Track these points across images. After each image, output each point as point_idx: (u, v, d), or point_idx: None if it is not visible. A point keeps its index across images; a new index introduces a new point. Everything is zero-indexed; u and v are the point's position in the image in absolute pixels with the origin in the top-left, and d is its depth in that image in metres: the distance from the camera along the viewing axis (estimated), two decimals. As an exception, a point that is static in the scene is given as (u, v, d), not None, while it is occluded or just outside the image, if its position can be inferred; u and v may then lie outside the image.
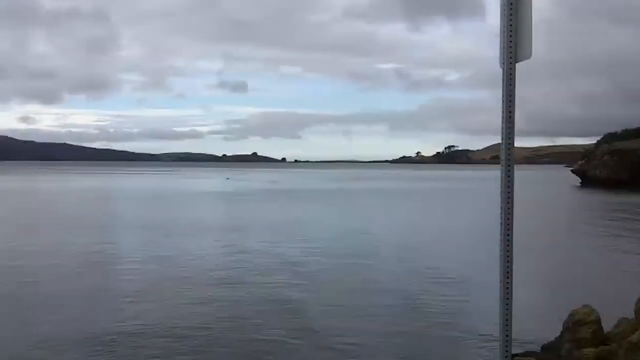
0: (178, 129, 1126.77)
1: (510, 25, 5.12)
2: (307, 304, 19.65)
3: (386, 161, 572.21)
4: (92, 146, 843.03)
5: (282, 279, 23.88)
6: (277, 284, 22.99)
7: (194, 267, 26.44)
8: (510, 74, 5.22)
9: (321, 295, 21.09)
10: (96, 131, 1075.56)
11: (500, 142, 5.28)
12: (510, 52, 5.20)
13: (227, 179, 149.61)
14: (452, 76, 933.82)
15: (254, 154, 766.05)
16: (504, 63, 5.25)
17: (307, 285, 22.67)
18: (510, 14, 5.11)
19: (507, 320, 5.06)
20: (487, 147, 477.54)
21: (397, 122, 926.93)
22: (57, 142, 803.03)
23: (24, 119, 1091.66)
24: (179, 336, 15.98)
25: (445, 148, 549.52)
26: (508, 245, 5.08)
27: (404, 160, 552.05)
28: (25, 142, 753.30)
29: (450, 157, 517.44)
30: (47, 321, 17.46)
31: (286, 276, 24.35)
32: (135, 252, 30.59)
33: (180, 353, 14.81)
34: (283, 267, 26.48)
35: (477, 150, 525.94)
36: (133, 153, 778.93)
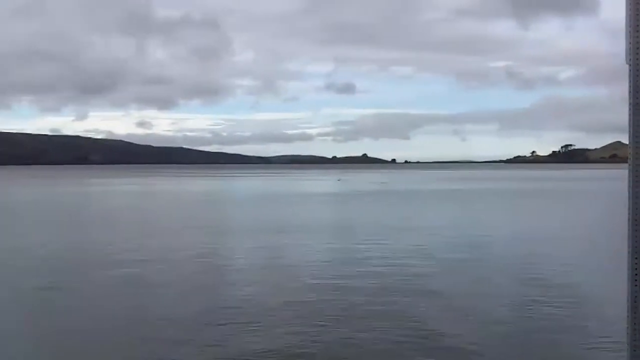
0: (288, 132, 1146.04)
1: (638, 19, 4.89)
2: (418, 307, 19.16)
3: (500, 161, 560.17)
4: (206, 149, 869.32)
5: (392, 280, 23.27)
6: (386, 286, 22.40)
7: (310, 266, 25.99)
8: (638, 70, 4.98)
9: (434, 299, 20.20)
10: (210, 135, 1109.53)
11: (621, 140, 4.90)
12: (638, 48, 4.96)
13: (339, 180, 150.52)
14: (566, 73, 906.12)
15: (364, 155, 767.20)
16: (630, 59, 5.02)
17: (419, 288, 21.95)
18: (638, 7, 4.88)
19: (635, 326, 4.84)
20: (606, 145, 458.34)
21: (509, 121, 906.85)
22: (173, 145, 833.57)
23: (141, 124, 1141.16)
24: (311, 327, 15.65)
25: (562, 147, 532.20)
26: (637, 250, 4.84)
27: (519, 160, 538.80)
28: (143, 146, 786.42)
29: (568, 156, 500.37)
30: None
31: (395, 279, 23.57)
32: (254, 253, 30.58)
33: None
34: (393, 269, 25.71)
35: (595, 148, 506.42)
36: (245, 156, 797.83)
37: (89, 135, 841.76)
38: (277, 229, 41.21)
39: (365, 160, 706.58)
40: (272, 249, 32.09)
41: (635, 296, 4.85)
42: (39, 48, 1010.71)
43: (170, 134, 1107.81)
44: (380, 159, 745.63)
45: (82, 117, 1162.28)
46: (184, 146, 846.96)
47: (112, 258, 29.45)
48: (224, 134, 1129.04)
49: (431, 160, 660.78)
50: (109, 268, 26.58)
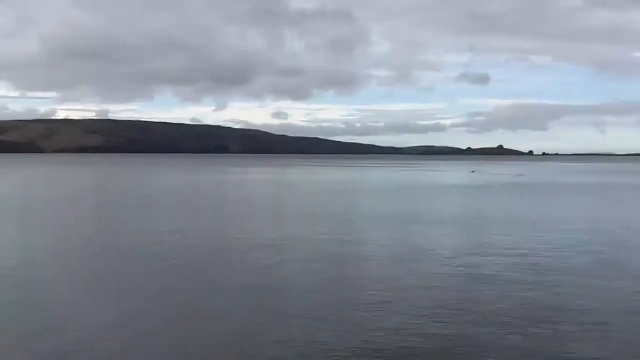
0: (422, 122, 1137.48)
1: None
2: (539, 305, 18.34)
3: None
4: (340, 140, 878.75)
5: (521, 277, 22.41)
6: (519, 282, 21.67)
7: (435, 257, 25.48)
8: None
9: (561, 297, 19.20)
10: (343, 125, 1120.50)
11: None
12: None
13: (472, 172, 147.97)
14: None
15: (500, 146, 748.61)
16: None
17: (545, 284, 21.22)
18: None
19: None
20: None
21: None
22: (307, 136, 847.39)
23: (277, 114, 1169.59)
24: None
25: None
26: None
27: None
28: (279, 136, 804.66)
29: None
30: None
31: (522, 276, 22.74)
32: (386, 243, 30.58)
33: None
34: (521, 265, 24.78)
35: None
36: (378, 146, 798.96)
37: (228, 125, 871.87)
38: (408, 220, 41.31)
39: (500, 152, 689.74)
40: (404, 240, 32.19)
41: None
42: (177, 40, 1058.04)
43: (304, 124, 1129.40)
44: (516, 151, 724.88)
45: (221, 107, 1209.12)
46: (318, 136, 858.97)
47: (255, 242, 30.50)
48: (358, 124, 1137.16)
49: (570, 153, 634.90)
50: (252, 253, 27.59)
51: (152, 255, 26.71)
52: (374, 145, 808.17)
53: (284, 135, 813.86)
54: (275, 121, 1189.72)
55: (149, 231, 34.92)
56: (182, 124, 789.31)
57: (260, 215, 45.17)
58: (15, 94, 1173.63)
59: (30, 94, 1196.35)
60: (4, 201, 56.42)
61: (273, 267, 24.49)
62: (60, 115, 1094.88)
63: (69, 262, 25.58)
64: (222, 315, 17.27)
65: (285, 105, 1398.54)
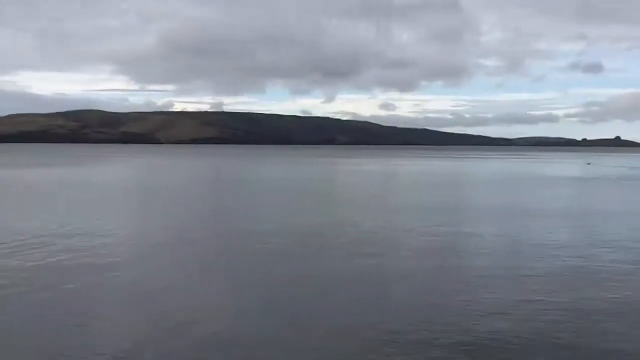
0: (533, 113, 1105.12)
1: None
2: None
3: None
4: (449, 131, 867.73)
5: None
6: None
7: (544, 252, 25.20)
8: None
9: None
10: (452, 116, 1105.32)
11: None
12: None
13: (588, 164, 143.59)
14: None
15: (617, 138, 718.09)
16: None
17: None
18: None
19: None
20: None
21: None
22: (415, 127, 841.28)
23: (385, 105, 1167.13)
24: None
25: None
26: None
27: None
28: (387, 127, 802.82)
29: None
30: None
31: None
32: (495, 236, 30.51)
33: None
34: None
35: None
36: (488, 137, 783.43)
37: (336, 117, 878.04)
38: (519, 212, 40.94)
39: (618, 144, 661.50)
40: (512, 233, 31.75)
41: None
42: (288, 34, 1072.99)
43: (412, 115, 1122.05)
44: (635, 142, 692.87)
45: (330, 99, 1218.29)
46: (427, 127, 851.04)
47: (362, 233, 31.24)
48: (467, 115, 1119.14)
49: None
50: (360, 244, 28.15)
51: (266, 242, 27.58)
52: (483, 137, 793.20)
53: (392, 127, 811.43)
54: (383, 112, 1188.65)
55: (264, 219, 36.25)
56: (292, 115, 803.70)
57: (368, 206, 45.60)
58: (136, 87, 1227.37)
59: (149, 87, 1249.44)
60: (129, 188, 60.32)
61: (383, 257, 24.84)
62: (177, 107, 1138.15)
63: (183, 246, 26.75)
64: (335, 305, 17.39)
65: (393, 96, 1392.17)
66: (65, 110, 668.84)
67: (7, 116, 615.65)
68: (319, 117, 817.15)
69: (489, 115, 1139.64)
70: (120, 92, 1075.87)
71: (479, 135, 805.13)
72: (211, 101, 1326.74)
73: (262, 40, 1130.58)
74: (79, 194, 51.89)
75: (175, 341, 14.24)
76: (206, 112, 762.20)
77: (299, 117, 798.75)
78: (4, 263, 22.26)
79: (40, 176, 79.36)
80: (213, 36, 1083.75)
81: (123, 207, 43.39)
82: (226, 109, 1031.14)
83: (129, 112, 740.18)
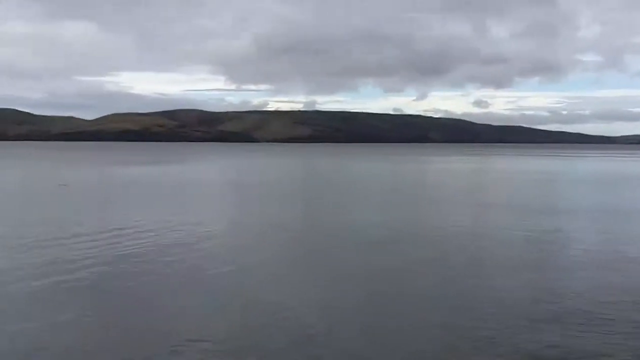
0: (635, 110, 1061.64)
1: None
2: None
3: None
4: (545, 128, 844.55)
5: None
6: None
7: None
8: None
9: None
10: (548, 113, 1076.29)
11: None
12: None
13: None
14: None
15: None
16: None
17: None
18: None
19: None
20: None
21: None
22: (511, 124, 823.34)
23: (478, 102, 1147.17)
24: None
25: None
26: None
27: None
28: (481, 124, 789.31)
29: None
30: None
31: None
32: (592, 238, 30.44)
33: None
34: None
35: None
36: (587, 135, 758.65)
37: (429, 115, 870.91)
38: (622, 214, 40.01)
39: None
40: (617, 238, 30.40)
41: None
42: (380, 32, 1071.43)
43: (507, 112, 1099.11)
44: None
45: (422, 96, 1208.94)
46: (522, 125, 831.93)
47: (450, 231, 31.83)
48: (564, 112, 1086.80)
49: None
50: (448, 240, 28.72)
51: (363, 241, 28.12)
52: (582, 134, 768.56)
53: (487, 124, 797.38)
54: (477, 110, 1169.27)
55: (359, 215, 37.51)
56: (385, 114, 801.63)
57: (463, 204, 45.53)
58: (232, 87, 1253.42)
59: (244, 87, 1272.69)
60: (231, 184, 63.06)
61: (480, 255, 24.85)
62: (272, 107, 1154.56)
63: (284, 240, 28.12)
64: (435, 309, 17.01)
65: (487, 93, 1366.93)
66: (164, 109, 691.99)
67: (110, 115, 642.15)
68: (411, 115, 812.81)
69: (587, 112, 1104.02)
70: (217, 92, 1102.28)
71: (576, 133, 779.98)
72: (304, 100, 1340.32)
73: (355, 39, 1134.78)
74: (186, 190, 55.05)
75: (272, 333, 14.69)
76: (300, 111, 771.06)
77: (392, 115, 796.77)
78: (104, 254, 24.04)
79: (151, 173, 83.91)
80: (307, 36, 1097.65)
81: (226, 203, 46.14)
82: (319, 107, 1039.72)
83: (225, 112, 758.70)
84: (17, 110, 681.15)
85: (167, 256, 23.50)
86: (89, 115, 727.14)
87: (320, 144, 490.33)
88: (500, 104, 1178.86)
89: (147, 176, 77.22)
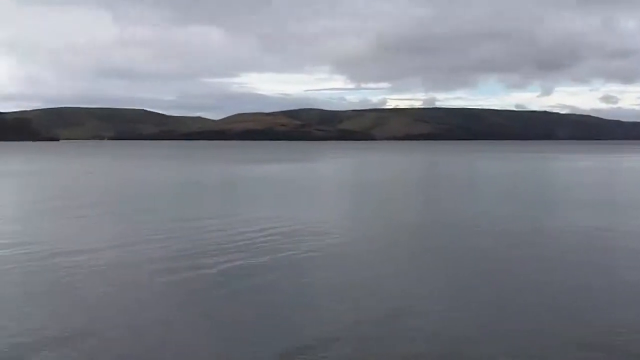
0: None
1: None
2: None
3: None
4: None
5: None
6: None
7: None
8: None
9: None
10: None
11: None
12: None
13: None
14: None
15: None
16: None
17: None
18: None
19: None
20: None
21: None
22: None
23: (606, 98, 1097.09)
24: None
25: None
26: None
27: None
28: (610, 120, 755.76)
29: None
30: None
31: None
32: None
33: None
34: None
35: None
36: None
37: (554, 111, 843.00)
38: None
39: None
40: None
41: None
42: (500, 28, 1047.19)
43: (638, 108, 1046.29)
44: None
45: (546, 92, 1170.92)
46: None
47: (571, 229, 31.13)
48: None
49: None
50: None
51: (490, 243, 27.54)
52: None
53: (616, 120, 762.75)
54: (604, 106, 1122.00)
55: (481, 216, 36.94)
56: (507, 110, 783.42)
57: (599, 206, 42.45)
58: (352, 86, 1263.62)
59: (364, 85, 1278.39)
60: (353, 182, 65.78)
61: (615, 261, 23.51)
62: (391, 104, 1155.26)
63: (403, 237, 28.64)
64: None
65: (616, 88, 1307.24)
66: (287, 109, 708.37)
67: (235, 115, 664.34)
68: (535, 111, 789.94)
69: None
70: (337, 91, 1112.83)
71: None
72: (424, 97, 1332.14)
73: (476, 35, 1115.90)
74: (313, 187, 58.66)
75: (383, 332, 14.51)
76: (419, 109, 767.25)
77: (514, 111, 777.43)
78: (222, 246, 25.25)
79: (277, 171, 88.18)
80: (427, 33, 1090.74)
81: (347, 200, 48.42)
82: (439, 104, 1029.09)
83: (345, 110, 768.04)
84: (148, 111, 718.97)
85: (293, 252, 23.82)
86: (216, 116, 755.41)
87: (440, 141, 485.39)
88: (631, 99, 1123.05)
89: (274, 174, 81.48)
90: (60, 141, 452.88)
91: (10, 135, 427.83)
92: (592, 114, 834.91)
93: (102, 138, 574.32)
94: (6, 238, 26.51)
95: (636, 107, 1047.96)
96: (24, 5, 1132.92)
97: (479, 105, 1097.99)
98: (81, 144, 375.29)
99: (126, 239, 26.41)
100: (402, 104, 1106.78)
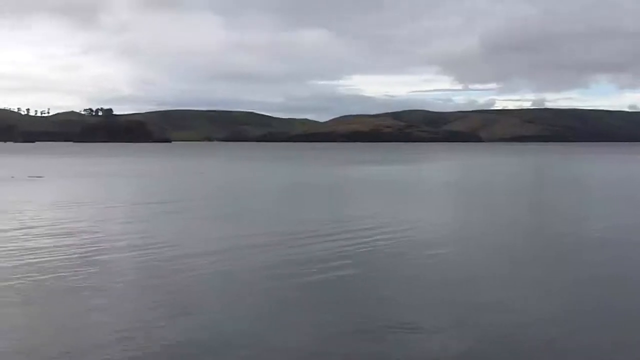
0: None
1: None
2: None
3: None
4: None
5: None
6: None
7: None
8: None
9: None
10: None
11: None
12: None
13: None
14: None
15: None
16: None
17: None
18: None
19: None
20: None
21: None
22: None
23: None
24: None
25: None
26: None
27: None
28: None
29: None
30: None
31: None
32: None
33: None
34: None
35: None
36: None
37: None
38: None
39: None
40: None
41: None
42: (611, 27, 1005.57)
43: None
44: None
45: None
46: None
47: None
48: None
49: None
50: None
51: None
52: None
53: None
54: None
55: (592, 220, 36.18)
56: (620, 111, 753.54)
57: None
58: (459, 87, 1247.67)
59: (471, 86, 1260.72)
60: (459, 184, 65.83)
61: None
62: (498, 105, 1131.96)
63: (496, 240, 27.95)
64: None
65: None
66: (392, 110, 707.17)
67: (340, 117, 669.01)
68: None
69: None
70: (443, 92, 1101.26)
71: None
72: (533, 98, 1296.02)
73: (586, 34, 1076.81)
74: (419, 189, 59.03)
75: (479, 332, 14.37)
76: (528, 110, 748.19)
77: (627, 112, 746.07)
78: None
79: (385, 172, 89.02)
80: (535, 33, 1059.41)
81: (452, 202, 48.35)
82: (549, 105, 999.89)
83: (451, 112, 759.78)
84: (256, 114, 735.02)
85: (403, 254, 23.85)
86: (322, 118, 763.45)
87: (550, 143, 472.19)
88: None
89: (380, 175, 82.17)
90: (172, 142, 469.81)
91: (126, 136, 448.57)
92: None
93: (211, 140, 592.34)
94: (129, 238, 27.92)
95: None
96: (140, 12, 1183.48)
97: (590, 106, 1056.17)
98: (192, 145, 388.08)
99: (238, 240, 27.02)
100: (511, 105, 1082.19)
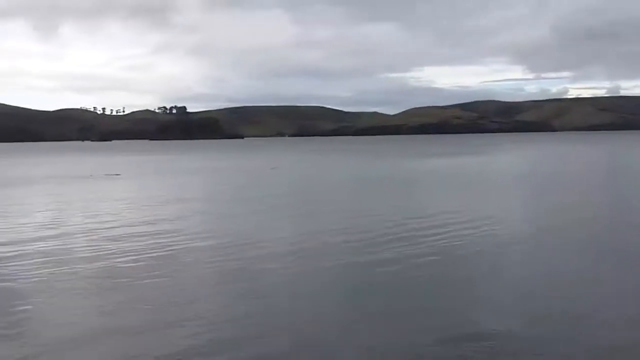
0: None
1: None
2: None
3: None
4: None
5: None
6: None
7: None
8: None
9: None
10: None
11: None
12: None
13: None
14: None
15: None
16: None
17: None
18: None
19: None
20: None
21: None
22: None
23: None
24: None
25: None
26: None
27: None
28: None
29: None
30: None
31: None
32: None
33: None
34: None
35: None
36: None
37: None
38: None
39: None
40: None
41: None
42: None
43: None
44: None
45: None
46: None
47: None
48: None
49: None
50: None
51: None
52: None
53: None
54: None
55: None
56: None
57: None
58: (531, 76, 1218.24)
59: (544, 75, 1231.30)
60: (530, 174, 64.80)
61: None
62: (572, 94, 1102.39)
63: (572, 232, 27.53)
64: None
65: None
66: (462, 102, 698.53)
67: (411, 109, 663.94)
68: None
69: None
70: (515, 82, 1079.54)
71: None
72: (608, 86, 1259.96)
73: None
74: (491, 180, 58.50)
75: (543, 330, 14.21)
76: (602, 98, 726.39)
77: None
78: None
79: (458, 164, 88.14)
80: (609, 19, 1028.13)
81: (526, 193, 47.87)
82: (624, 93, 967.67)
83: (523, 101, 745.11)
84: (326, 108, 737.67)
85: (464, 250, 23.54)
86: (392, 110, 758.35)
87: (626, 131, 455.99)
88: None
89: (452, 167, 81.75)
90: (245, 138, 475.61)
91: (199, 133, 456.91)
92: None
93: (283, 135, 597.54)
94: (213, 236, 28.40)
95: None
96: (209, 11, 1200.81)
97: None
98: (264, 141, 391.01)
99: (321, 237, 27.16)
100: (584, 93, 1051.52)
